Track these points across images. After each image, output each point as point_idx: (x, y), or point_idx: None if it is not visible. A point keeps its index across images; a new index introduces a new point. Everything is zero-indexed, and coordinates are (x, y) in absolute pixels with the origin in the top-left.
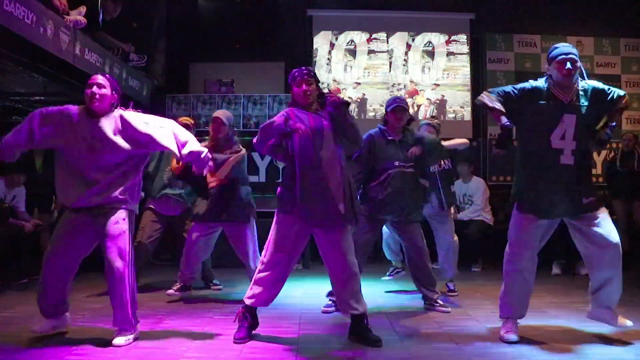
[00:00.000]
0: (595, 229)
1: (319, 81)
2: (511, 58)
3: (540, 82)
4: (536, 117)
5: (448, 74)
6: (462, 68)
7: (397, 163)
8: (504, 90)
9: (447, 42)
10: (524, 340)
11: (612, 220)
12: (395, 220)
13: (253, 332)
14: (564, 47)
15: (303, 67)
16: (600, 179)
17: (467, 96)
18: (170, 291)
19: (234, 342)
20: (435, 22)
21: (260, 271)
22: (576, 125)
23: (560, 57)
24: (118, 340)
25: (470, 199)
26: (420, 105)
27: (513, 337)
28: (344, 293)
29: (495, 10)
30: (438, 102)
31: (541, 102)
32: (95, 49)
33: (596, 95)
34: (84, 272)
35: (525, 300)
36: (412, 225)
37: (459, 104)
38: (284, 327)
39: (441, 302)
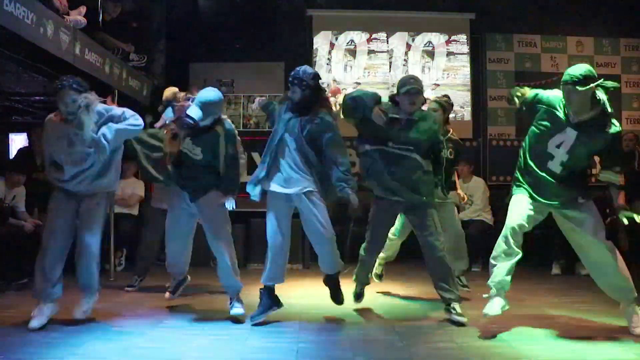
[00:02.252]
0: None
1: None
2: (511, 58)
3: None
4: (546, 120)
5: (448, 74)
6: (462, 68)
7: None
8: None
9: (447, 42)
10: (524, 340)
11: (612, 220)
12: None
13: (271, 312)
14: (572, 71)
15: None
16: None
17: (467, 96)
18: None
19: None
20: (435, 22)
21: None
22: (574, 142)
23: (562, 84)
24: (77, 314)
25: (470, 199)
26: None
27: None
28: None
29: (495, 10)
30: None
31: (557, 111)
32: (95, 49)
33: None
34: None
35: None
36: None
37: (459, 104)
38: (284, 327)
39: (458, 310)
